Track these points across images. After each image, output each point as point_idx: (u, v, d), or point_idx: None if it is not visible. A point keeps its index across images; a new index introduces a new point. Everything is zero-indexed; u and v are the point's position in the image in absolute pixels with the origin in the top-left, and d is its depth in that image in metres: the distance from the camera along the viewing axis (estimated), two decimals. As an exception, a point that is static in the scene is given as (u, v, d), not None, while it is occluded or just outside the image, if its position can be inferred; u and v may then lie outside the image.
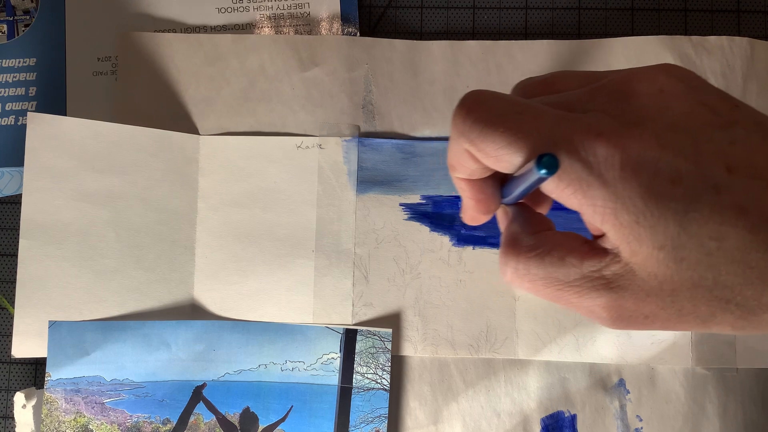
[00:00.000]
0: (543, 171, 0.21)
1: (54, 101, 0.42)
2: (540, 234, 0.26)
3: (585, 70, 0.32)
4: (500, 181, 0.28)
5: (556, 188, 0.23)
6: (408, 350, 0.39)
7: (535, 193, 0.27)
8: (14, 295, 0.39)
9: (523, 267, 0.25)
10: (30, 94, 0.42)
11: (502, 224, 0.29)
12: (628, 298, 0.23)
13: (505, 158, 0.24)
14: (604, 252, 0.24)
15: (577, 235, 0.25)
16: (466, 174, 0.27)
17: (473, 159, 0.25)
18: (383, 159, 0.40)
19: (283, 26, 0.42)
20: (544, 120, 0.23)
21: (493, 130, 0.23)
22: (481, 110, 0.24)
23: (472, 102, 0.25)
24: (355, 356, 0.38)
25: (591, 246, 0.24)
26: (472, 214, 0.30)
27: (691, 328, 0.24)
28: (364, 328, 0.39)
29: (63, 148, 0.39)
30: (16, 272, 0.39)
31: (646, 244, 0.22)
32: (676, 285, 0.23)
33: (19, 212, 0.39)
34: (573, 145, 0.22)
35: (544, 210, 0.30)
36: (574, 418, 0.38)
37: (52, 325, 0.38)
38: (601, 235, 0.24)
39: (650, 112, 0.23)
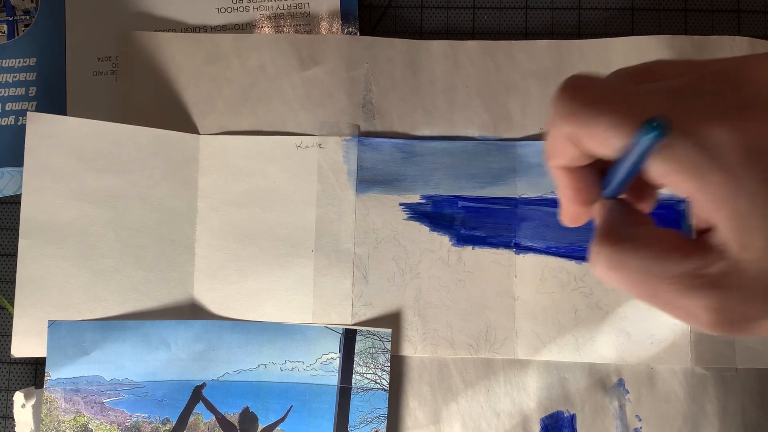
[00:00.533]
0: (652, 135, 0.20)
1: (54, 101, 0.42)
2: (640, 226, 0.25)
3: (684, 60, 0.31)
4: (600, 173, 0.27)
5: (667, 173, 0.22)
6: (407, 350, 0.39)
7: (637, 188, 0.26)
8: (14, 294, 0.39)
9: (618, 258, 0.24)
10: (30, 94, 0.42)
11: (599, 218, 0.28)
12: (734, 299, 0.22)
13: (614, 140, 0.22)
14: (710, 248, 0.22)
15: (679, 232, 0.24)
16: (565, 161, 0.26)
17: (575, 144, 0.24)
18: (383, 158, 0.40)
19: (284, 26, 0.42)
20: (654, 101, 0.22)
21: (601, 111, 0.23)
22: (587, 92, 0.23)
23: (576, 85, 0.24)
24: (355, 356, 0.38)
25: (695, 243, 0.23)
26: (572, 211, 0.29)
27: None
28: (363, 328, 0.39)
29: (63, 147, 0.39)
30: (15, 272, 0.39)
31: (762, 235, 0.21)
32: None
33: (19, 212, 0.39)
34: (688, 128, 0.21)
35: (645, 208, 0.29)
36: (573, 418, 0.38)
37: (52, 324, 0.38)
38: (707, 230, 0.23)
39: (766, 99, 0.22)
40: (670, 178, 0.22)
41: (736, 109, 0.22)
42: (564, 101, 0.24)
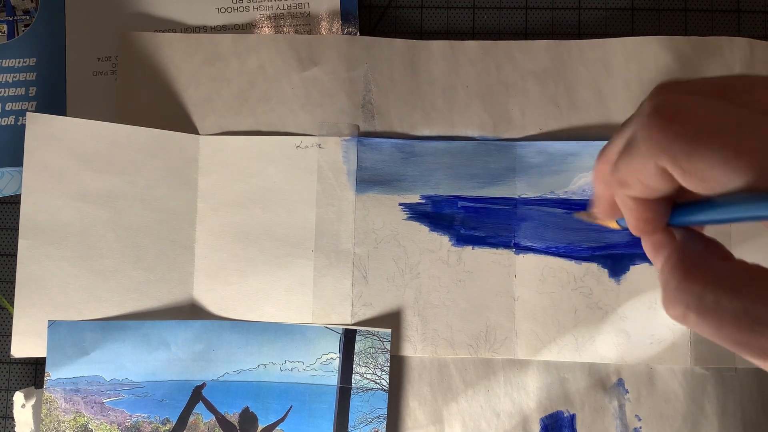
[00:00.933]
0: None
1: (54, 101, 0.42)
2: (733, 260, 0.22)
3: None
4: (673, 199, 0.24)
5: None
6: (407, 350, 0.39)
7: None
8: (14, 294, 0.39)
9: (712, 299, 0.21)
10: (30, 94, 0.42)
11: (665, 247, 0.24)
12: None
13: (719, 180, 0.19)
14: None
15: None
16: (644, 193, 0.23)
17: (666, 178, 0.21)
18: (383, 159, 0.40)
19: (283, 26, 0.42)
20: None
21: (706, 146, 0.19)
22: (686, 120, 0.20)
23: (672, 109, 0.20)
24: (355, 356, 0.38)
25: None
26: (608, 221, 0.26)
27: None
28: (363, 328, 0.39)
29: (62, 148, 0.39)
30: (15, 272, 0.39)
31: None
32: None
33: (19, 212, 0.39)
34: None
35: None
36: (573, 417, 0.38)
37: (52, 324, 0.38)
38: None
39: None
40: None
41: None
42: (657, 130, 0.21)
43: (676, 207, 0.24)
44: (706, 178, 0.20)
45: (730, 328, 0.20)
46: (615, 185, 0.23)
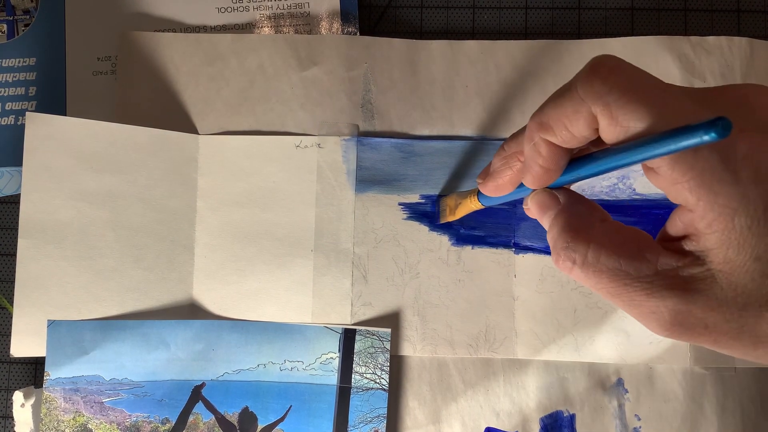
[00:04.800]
0: (712, 134, 0.19)
1: (54, 101, 0.42)
2: (610, 222, 0.25)
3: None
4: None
5: (676, 176, 0.22)
6: (407, 350, 0.39)
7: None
8: (13, 294, 0.39)
9: (593, 256, 0.24)
10: (30, 94, 0.42)
11: (550, 209, 0.28)
12: (698, 304, 0.23)
13: (633, 130, 0.23)
14: (684, 253, 0.23)
15: (645, 233, 0.25)
16: (562, 139, 0.25)
17: (587, 124, 0.24)
18: (382, 158, 0.40)
19: (283, 26, 0.42)
20: (686, 102, 0.22)
21: (635, 99, 0.22)
22: (623, 76, 0.23)
23: (612, 66, 0.24)
24: (354, 356, 0.38)
25: (667, 245, 0.24)
26: (507, 181, 0.29)
27: (743, 348, 0.23)
28: (363, 327, 0.39)
29: (62, 147, 0.39)
30: (15, 271, 0.39)
31: (746, 252, 0.22)
32: (751, 299, 0.22)
33: (19, 212, 0.39)
34: None
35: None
36: (573, 417, 0.38)
37: (51, 324, 0.38)
38: (682, 237, 0.23)
39: None
40: (675, 181, 0.22)
41: (754, 129, 0.22)
42: (598, 79, 0.23)
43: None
44: (628, 128, 0.23)
45: (607, 281, 0.24)
46: (535, 129, 0.26)
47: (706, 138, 0.19)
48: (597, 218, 0.26)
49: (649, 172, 0.24)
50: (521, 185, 0.30)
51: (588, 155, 0.26)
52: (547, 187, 0.28)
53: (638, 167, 0.38)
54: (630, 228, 0.25)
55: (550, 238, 0.27)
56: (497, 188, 0.31)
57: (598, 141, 0.25)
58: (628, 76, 0.23)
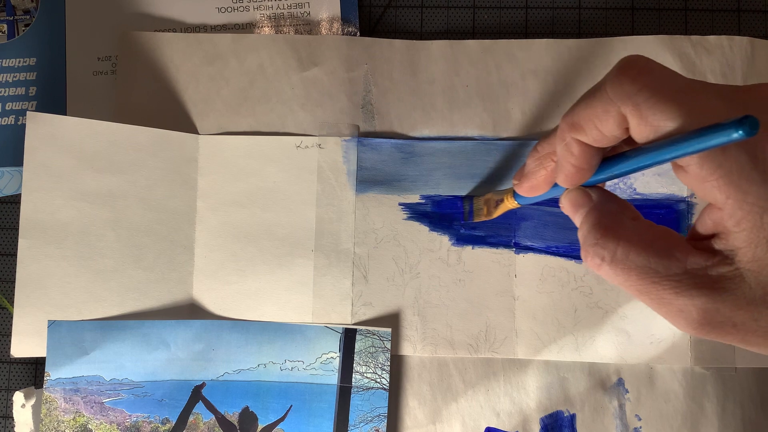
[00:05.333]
0: (740, 132, 0.19)
1: (54, 101, 0.42)
2: (641, 221, 0.26)
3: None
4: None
5: (705, 174, 0.22)
6: (407, 350, 0.39)
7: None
8: (14, 294, 0.39)
9: (622, 253, 0.25)
10: (30, 94, 0.42)
11: (583, 207, 0.28)
12: (727, 303, 0.23)
13: (663, 129, 0.23)
14: (714, 252, 0.23)
15: (676, 232, 0.25)
16: (593, 139, 0.26)
17: (618, 124, 0.24)
18: (382, 159, 0.40)
19: (283, 26, 0.42)
20: (714, 101, 0.23)
21: (664, 100, 0.23)
22: (652, 76, 0.23)
23: (641, 66, 0.24)
24: (355, 356, 0.38)
25: (696, 244, 0.24)
26: (541, 183, 0.30)
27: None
28: (363, 327, 0.39)
29: (62, 147, 0.39)
30: (15, 272, 0.39)
31: None
32: None
33: (19, 212, 0.39)
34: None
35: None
36: (573, 417, 0.38)
37: (52, 324, 0.38)
38: (711, 236, 0.24)
39: None
40: (704, 179, 0.23)
41: None
42: (627, 79, 0.24)
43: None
44: (658, 128, 0.23)
45: (635, 279, 0.24)
46: (566, 129, 0.26)
47: (734, 136, 0.20)
48: (628, 216, 0.26)
49: (679, 170, 0.24)
50: (556, 184, 0.30)
51: (620, 154, 0.26)
52: (580, 186, 0.28)
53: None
54: (661, 227, 0.25)
55: (581, 235, 0.27)
56: (532, 188, 0.31)
57: (630, 140, 0.25)
58: (656, 76, 0.24)
